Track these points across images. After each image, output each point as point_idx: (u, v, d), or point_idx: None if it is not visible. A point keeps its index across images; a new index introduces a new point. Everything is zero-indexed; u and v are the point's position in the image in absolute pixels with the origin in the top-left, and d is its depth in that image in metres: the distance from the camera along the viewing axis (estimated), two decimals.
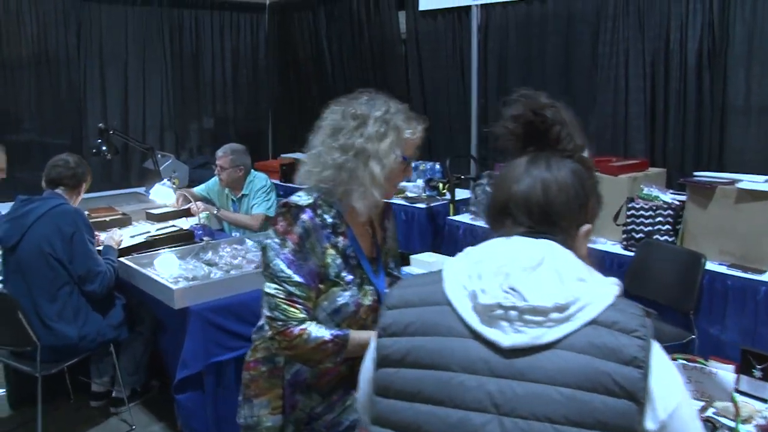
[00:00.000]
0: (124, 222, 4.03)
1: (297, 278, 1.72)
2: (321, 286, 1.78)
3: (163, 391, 3.56)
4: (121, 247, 3.47)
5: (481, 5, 5.31)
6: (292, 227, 1.74)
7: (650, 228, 3.77)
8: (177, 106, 6.44)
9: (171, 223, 4.08)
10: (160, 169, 5.44)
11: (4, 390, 3.72)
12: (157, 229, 3.94)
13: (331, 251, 1.79)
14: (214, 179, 4.56)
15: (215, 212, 4.18)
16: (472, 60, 5.39)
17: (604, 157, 4.28)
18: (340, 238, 1.82)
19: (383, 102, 1.83)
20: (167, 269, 3.24)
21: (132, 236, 3.78)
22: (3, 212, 3.69)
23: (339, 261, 1.80)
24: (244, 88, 6.92)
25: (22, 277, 3.06)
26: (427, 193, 5.53)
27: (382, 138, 1.77)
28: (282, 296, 1.72)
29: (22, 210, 3.11)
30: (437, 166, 5.85)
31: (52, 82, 5.69)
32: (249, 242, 3.57)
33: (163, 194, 4.02)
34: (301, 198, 1.80)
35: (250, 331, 2.99)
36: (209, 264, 3.29)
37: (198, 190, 4.57)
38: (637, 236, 3.78)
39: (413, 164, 5.72)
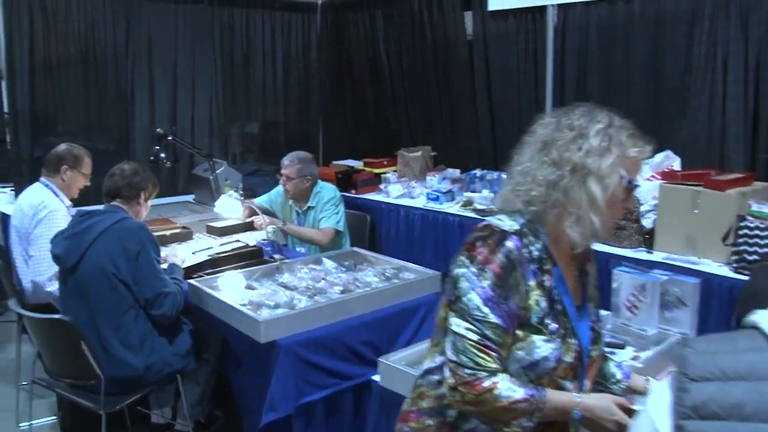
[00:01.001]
0: (184, 236, 3.71)
1: (494, 319, 1.43)
2: (518, 332, 1.47)
3: (229, 423, 3.23)
4: (185, 265, 3.15)
5: (559, 5, 4.93)
6: (495, 255, 1.45)
7: (766, 249, 3.39)
8: (226, 109, 6.12)
9: (235, 237, 3.75)
10: (211, 177, 5.13)
11: (56, 417, 3.41)
12: (221, 245, 3.61)
13: (537, 291, 1.49)
14: (277, 190, 4.23)
15: (281, 226, 3.84)
16: (547, 65, 5.02)
17: (700, 168, 3.90)
18: (546, 277, 1.51)
19: (605, 115, 1.52)
20: (232, 290, 2.91)
21: (193, 253, 3.45)
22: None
23: (544, 304, 1.49)
24: (294, 92, 6.58)
25: (82, 300, 2.73)
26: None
27: (604, 154, 1.47)
28: (474, 339, 1.43)
29: (81, 226, 2.79)
30: (504, 176, 5.48)
31: (99, 82, 5.39)
32: (328, 262, 3.22)
33: (229, 207, 3.68)
34: (505, 222, 1.50)
35: (342, 366, 2.67)
36: (287, 287, 2.95)
37: (260, 201, 4.24)
38: (750, 258, 3.40)
39: (479, 173, 5.40)
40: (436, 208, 5.25)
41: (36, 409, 3.20)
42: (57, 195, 3.53)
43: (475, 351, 1.43)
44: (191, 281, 2.94)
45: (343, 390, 2.66)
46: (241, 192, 3.63)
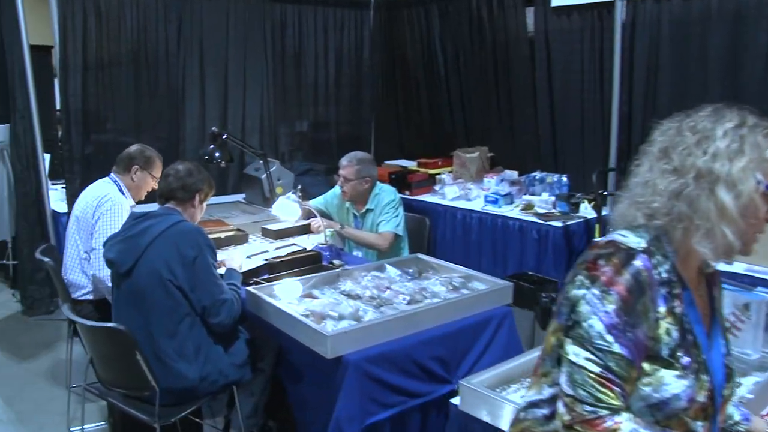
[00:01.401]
0: (240, 239, 3.57)
1: (618, 349, 1.24)
2: (645, 365, 1.28)
3: None
4: (242, 270, 3.00)
5: (628, 0, 4.69)
6: (621, 276, 1.26)
7: None
8: (277, 107, 5.99)
9: (291, 241, 3.60)
10: (262, 177, 5.00)
11: (106, 423, 3.31)
12: (276, 249, 3.47)
13: (668, 319, 1.29)
14: (333, 191, 4.07)
15: (339, 229, 3.67)
16: (614, 63, 4.77)
17: None
18: (676, 302, 1.31)
19: (735, 113, 1.31)
20: (290, 297, 2.76)
21: (248, 257, 3.31)
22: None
23: (676, 334, 1.30)
24: (345, 90, 6.43)
25: (137, 307, 2.60)
26: (558, 209, 4.93)
27: (735, 156, 1.26)
28: (594, 371, 1.25)
29: (136, 229, 2.65)
30: (564, 179, 5.26)
31: (150, 81, 5.31)
32: (391, 270, 3.04)
33: (287, 209, 3.52)
34: (630, 238, 1.32)
35: (411, 384, 2.48)
36: (350, 296, 2.78)
37: (315, 203, 4.09)
38: None
39: (539, 175, 5.17)
40: (495, 211, 5.05)
41: (87, 412, 3.09)
42: (123, 193, 3.44)
43: (596, 385, 1.24)
44: (249, 288, 2.79)
45: (411, 408, 2.48)
46: (300, 194, 3.47)
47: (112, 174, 3.52)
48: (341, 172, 3.81)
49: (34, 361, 4.15)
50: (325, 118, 6.38)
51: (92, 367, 2.77)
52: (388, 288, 2.84)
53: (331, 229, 3.59)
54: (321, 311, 2.56)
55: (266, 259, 3.22)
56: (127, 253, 2.61)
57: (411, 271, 3.13)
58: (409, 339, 2.48)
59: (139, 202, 3.54)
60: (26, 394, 3.74)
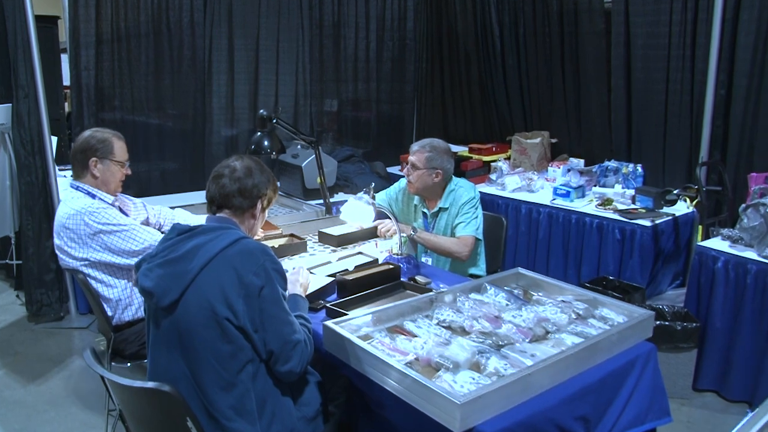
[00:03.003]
0: (298, 249, 2.93)
1: None
2: None
3: None
4: (307, 293, 2.38)
5: None
6: None
7: None
8: (313, 84, 5.34)
9: (356, 249, 2.96)
10: (303, 165, 4.37)
11: None
12: (338, 259, 2.83)
13: None
14: (398, 185, 3.44)
15: (412, 234, 3.03)
16: (713, 36, 4.10)
17: None
18: None
19: None
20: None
21: (310, 270, 2.67)
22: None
23: None
24: (387, 67, 5.77)
25: (182, 351, 1.96)
26: (640, 204, 4.31)
27: None
28: None
29: (182, 249, 1.99)
30: (639, 169, 4.63)
31: (172, 53, 4.67)
32: (492, 291, 2.41)
33: (360, 213, 2.84)
34: None
35: None
36: (452, 330, 2.17)
37: (378, 200, 3.47)
38: None
39: (613, 164, 4.49)
40: (566, 205, 4.42)
41: None
42: (94, 196, 2.75)
43: None
44: (329, 324, 2.14)
45: None
46: (373, 194, 2.83)
47: (72, 181, 2.83)
48: (410, 158, 3.19)
49: (43, 383, 3.53)
50: (366, 96, 5.73)
51: (121, 421, 2.15)
52: (497, 317, 2.22)
53: (405, 235, 2.95)
54: (427, 357, 1.94)
55: (332, 275, 2.60)
56: (171, 281, 1.96)
57: (516, 291, 2.51)
58: (549, 397, 1.86)
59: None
60: (34, 426, 3.13)
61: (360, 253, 2.91)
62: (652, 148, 4.69)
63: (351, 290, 2.47)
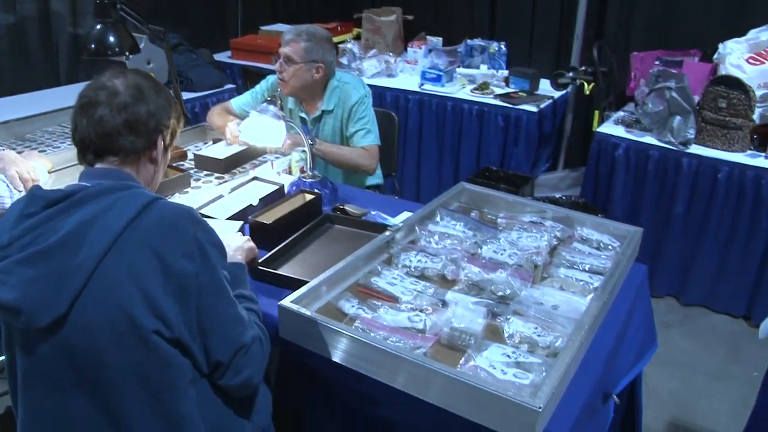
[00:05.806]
0: (179, 184, 2.20)
1: None
2: None
3: None
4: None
5: None
6: None
7: None
8: None
9: (250, 174, 2.29)
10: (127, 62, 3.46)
11: None
12: (232, 190, 2.16)
13: None
14: (264, 84, 2.75)
15: (311, 144, 2.38)
16: None
17: None
18: None
19: None
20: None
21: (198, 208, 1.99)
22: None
23: None
24: None
25: (83, 389, 1.26)
26: (514, 86, 4.02)
27: None
28: None
29: (58, 232, 1.22)
30: (503, 47, 4.30)
31: None
32: (448, 219, 1.93)
33: (267, 131, 2.06)
34: None
35: None
36: (429, 279, 1.67)
37: (238, 103, 2.76)
38: None
39: (478, 43, 4.09)
40: (438, 91, 3.98)
41: None
42: None
43: None
44: (289, 306, 1.49)
45: None
46: (281, 103, 2.11)
47: None
48: (282, 49, 2.50)
49: None
50: None
51: None
52: (473, 254, 1.76)
53: (301, 149, 2.32)
54: (437, 334, 1.43)
55: (237, 217, 1.95)
56: (49, 287, 1.20)
57: (473, 214, 2.05)
58: (594, 363, 1.45)
59: None
60: None
61: (256, 178, 2.24)
62: (519, 25, 4.36)
63: (273, 238, 1.85)
